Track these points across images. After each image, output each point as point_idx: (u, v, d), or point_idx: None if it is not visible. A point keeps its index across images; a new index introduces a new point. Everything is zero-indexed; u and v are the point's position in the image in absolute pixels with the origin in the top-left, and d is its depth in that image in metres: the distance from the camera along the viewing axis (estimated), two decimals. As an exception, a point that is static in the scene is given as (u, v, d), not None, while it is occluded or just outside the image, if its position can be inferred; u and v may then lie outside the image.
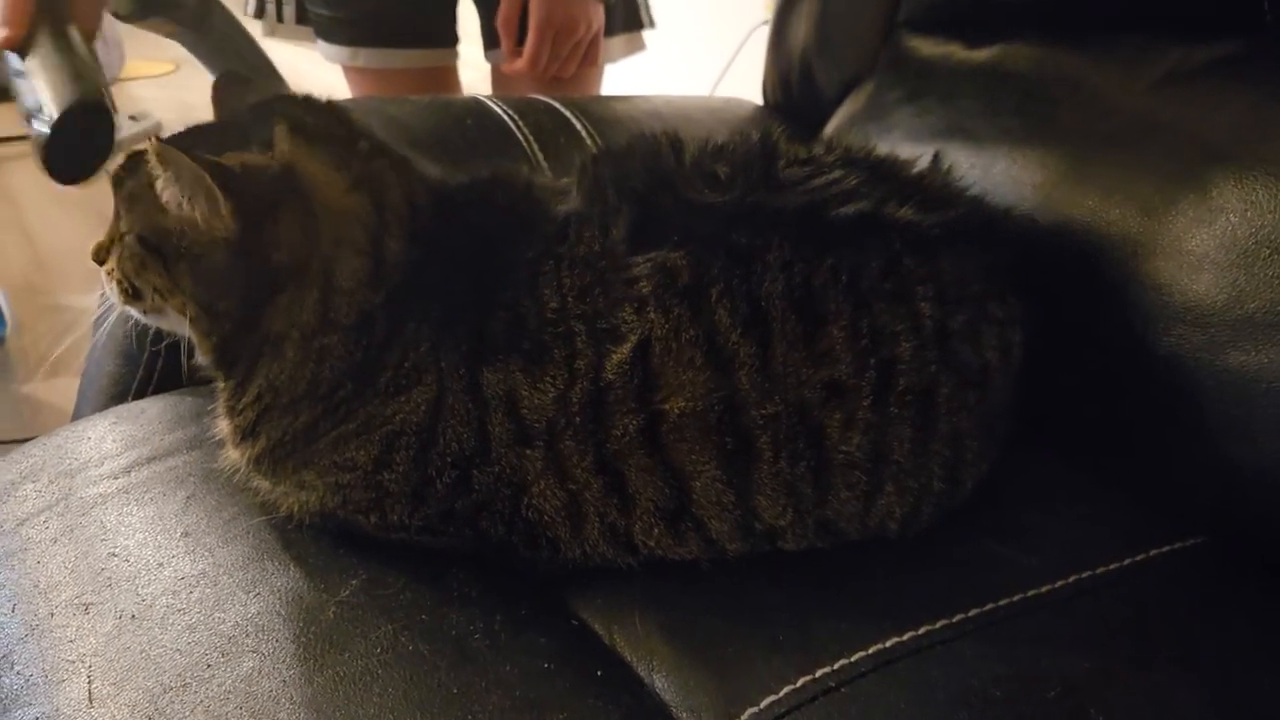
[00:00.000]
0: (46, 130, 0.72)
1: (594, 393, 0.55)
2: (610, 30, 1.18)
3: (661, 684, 0.51)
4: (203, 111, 0.69)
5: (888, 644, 0.53)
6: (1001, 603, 0.57)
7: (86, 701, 0.49)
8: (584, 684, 0.50)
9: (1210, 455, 0.63)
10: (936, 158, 0.68)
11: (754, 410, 0.55)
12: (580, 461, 0.56)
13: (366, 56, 1.22)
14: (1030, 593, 0.58)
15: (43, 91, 0.72)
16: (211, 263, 0.56)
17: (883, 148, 0.83)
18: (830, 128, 0.95)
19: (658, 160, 0.61)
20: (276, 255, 0.55)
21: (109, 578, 0.56)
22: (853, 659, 0.52)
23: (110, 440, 0.69)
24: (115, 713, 0.48)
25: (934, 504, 0.61)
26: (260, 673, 0.49)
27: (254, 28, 1.36)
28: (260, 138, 0.58)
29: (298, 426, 0.58)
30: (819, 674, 0.50)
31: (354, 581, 0.55)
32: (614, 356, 0.55)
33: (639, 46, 1.27)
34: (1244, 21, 0.69)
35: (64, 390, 1.89)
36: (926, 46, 0.89)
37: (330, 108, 0.61)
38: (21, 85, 0.77)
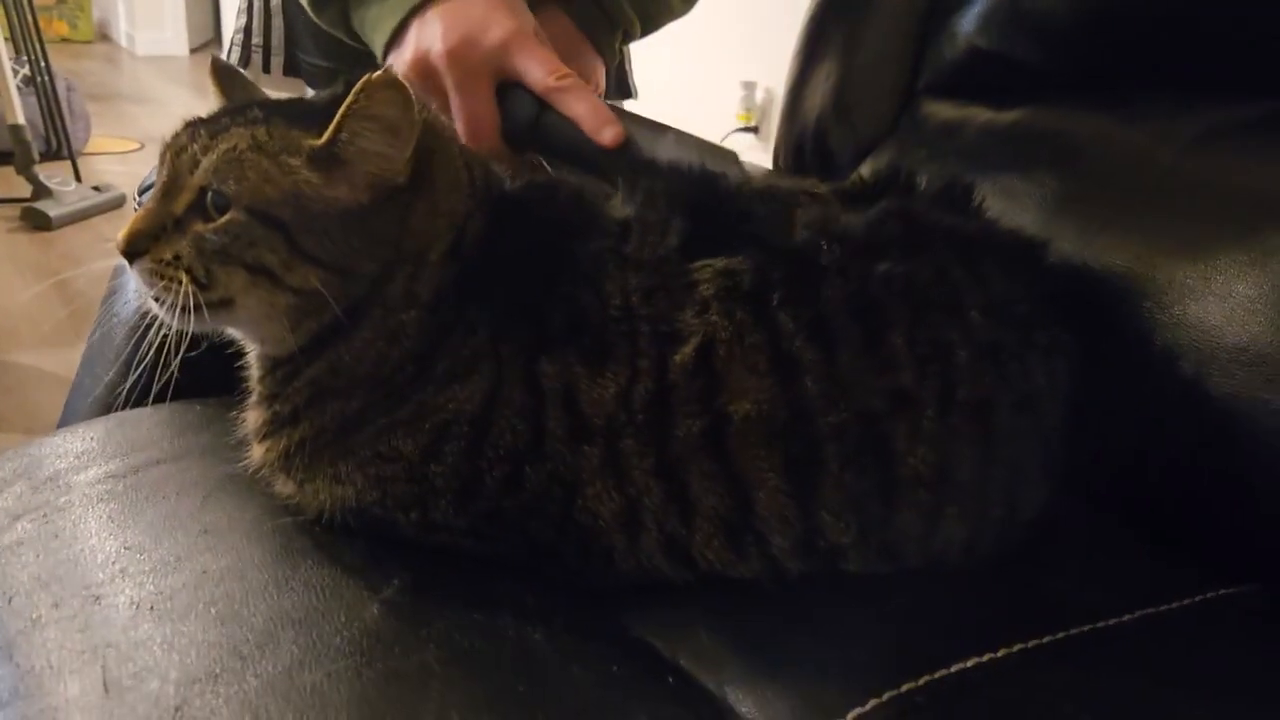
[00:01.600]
0: None
1: (657, 392, 0.53)
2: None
3: (735, 696, 0.48)
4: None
5: (969, 664, 0.50)
6: (1074, 631, 0.54)
7: (102, 692, 0.44)
8: (658, 689, 0.46)
9: (1268, 494, 0.62)
10: (952, 181, 0.68)
11: (820, 418, 0.53)
12: (640, 463, 0.53)
13: None
14: (1101, 624, 0.56)
15: None
16: (349, 215, 0.52)
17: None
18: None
19: (705, 178, 0.60)
20: (412, 218, 0.54)
21: (121, 569, 0.51)
22: (936, 677, 0.48)
23: (113, 442, 0.64)
24: (136, 704, 0.43)
25: (993, 533, 0.59)
26: (302, 666, 0.44)
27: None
28: None
29: (347, 412, 0.54)
30: (905, 689, 0.47)
31: (395, 581, 0.51)
32: (677, 357, 0.53)
33: None
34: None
35: (8, 445, 1.80)
36: (947, 110, 0.91)
37: None
38: None
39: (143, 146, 3.82)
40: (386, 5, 0.77)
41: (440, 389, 0.54)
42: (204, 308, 0.52)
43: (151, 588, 0.50)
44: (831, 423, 0.53)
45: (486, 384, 0.53)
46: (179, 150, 0.53)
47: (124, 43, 5.90)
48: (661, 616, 0.53)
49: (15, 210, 2.94)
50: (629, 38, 1.11)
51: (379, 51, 0.79)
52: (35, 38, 3.22)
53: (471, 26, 0.74)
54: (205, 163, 0.52)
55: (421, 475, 0.54)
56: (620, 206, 0.58)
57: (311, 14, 0.84)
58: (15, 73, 3.06)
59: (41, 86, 3.23)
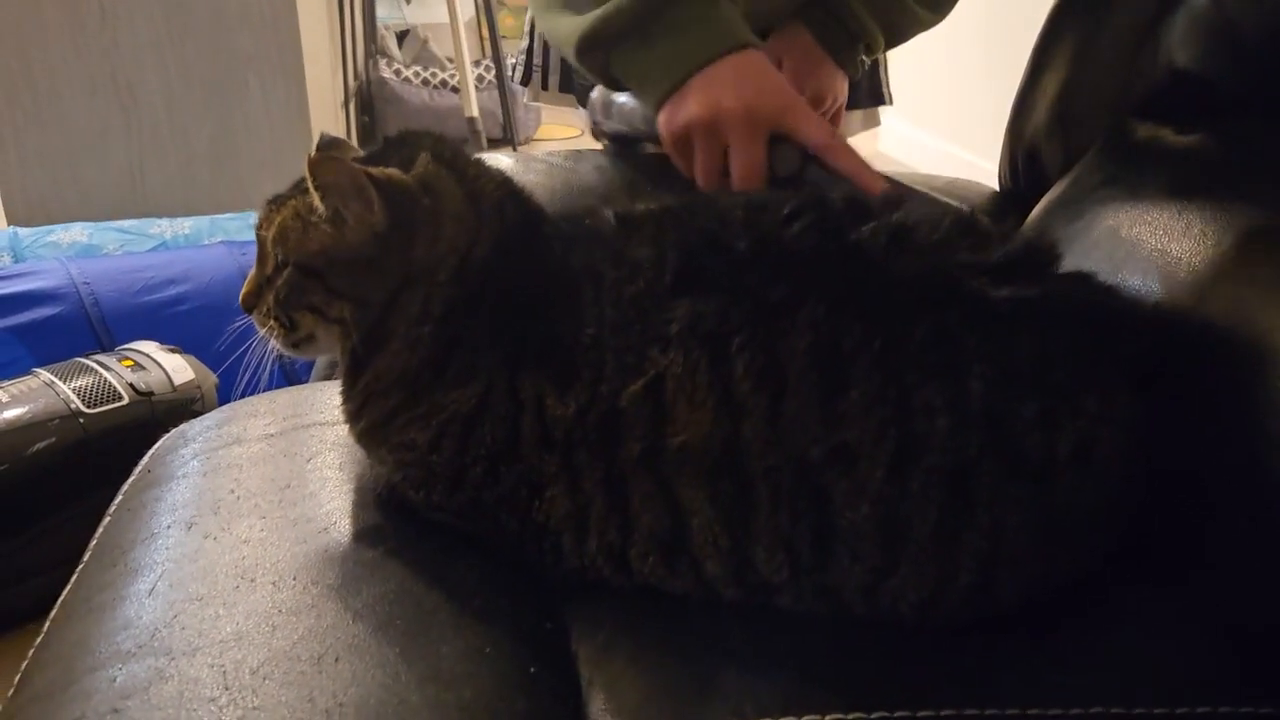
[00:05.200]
0: None
1: (610, 414, 0.58)
2: (853, 104, 1.19)
3: (592, 695, 0.53)
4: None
5: (825, 718, 0.50)
6: (990, 711, 0.52)
7: (149, 591, 0.60)
8: (507, 674, 0.53)
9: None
10: (1020, 229, 0.63)
11: (755, 460, 0.56)
12: (591, 475, 0.59)
13: None
14: (1034, 710, 0.52)
15: None
16: (361, 258, 0.64)
17: (1068, 232, 0.79)
18: (1035, 210, 0.89)
19: (718, 215, 0.63)
20: (414, 250, 0.64)
21: (217, 508, 0.68)
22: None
23: (292, 405, 0.82)
24: (173, 602, 0.59)
25: (960, 598, 0.57)
26: (306, 587, 0.59)
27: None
28: (397, 160, 0.67)
29: (386, 410, 0.66)
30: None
31: (391, 542, 0.64)
32: (631, 387, 0.58)
33: (876, 122, 1.27)
34: None
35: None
36: (1143, 129, 0.82)
37: (451, 141, 0.69)
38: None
39: (582, 134, 4.29)
40: (666, 59, 0.84)
41: (446, 392, 0.63)
42: (293, 344, 0.67)
43: (215, 522, 0.66)
44: (764, 466, 0.55)
45: (480, 391, 0.62)
46: (259, 226, 0.68)
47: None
48: (592, 612, 0.59)
49: (464, 188, 3.50)
50: (871, 50, 1.11)
51: (650, 101, 0.85)
52: (494, 43, 3.77)
53: (758, 87, 0.82)
54: (271, 234, 0.66)
55: (427, 462, 0.64)
56: (621, 242, 0.63)
57: (572, 59, 0.90)
58: (476, 72, 3.62)
59: (500, 83, 3.78)
